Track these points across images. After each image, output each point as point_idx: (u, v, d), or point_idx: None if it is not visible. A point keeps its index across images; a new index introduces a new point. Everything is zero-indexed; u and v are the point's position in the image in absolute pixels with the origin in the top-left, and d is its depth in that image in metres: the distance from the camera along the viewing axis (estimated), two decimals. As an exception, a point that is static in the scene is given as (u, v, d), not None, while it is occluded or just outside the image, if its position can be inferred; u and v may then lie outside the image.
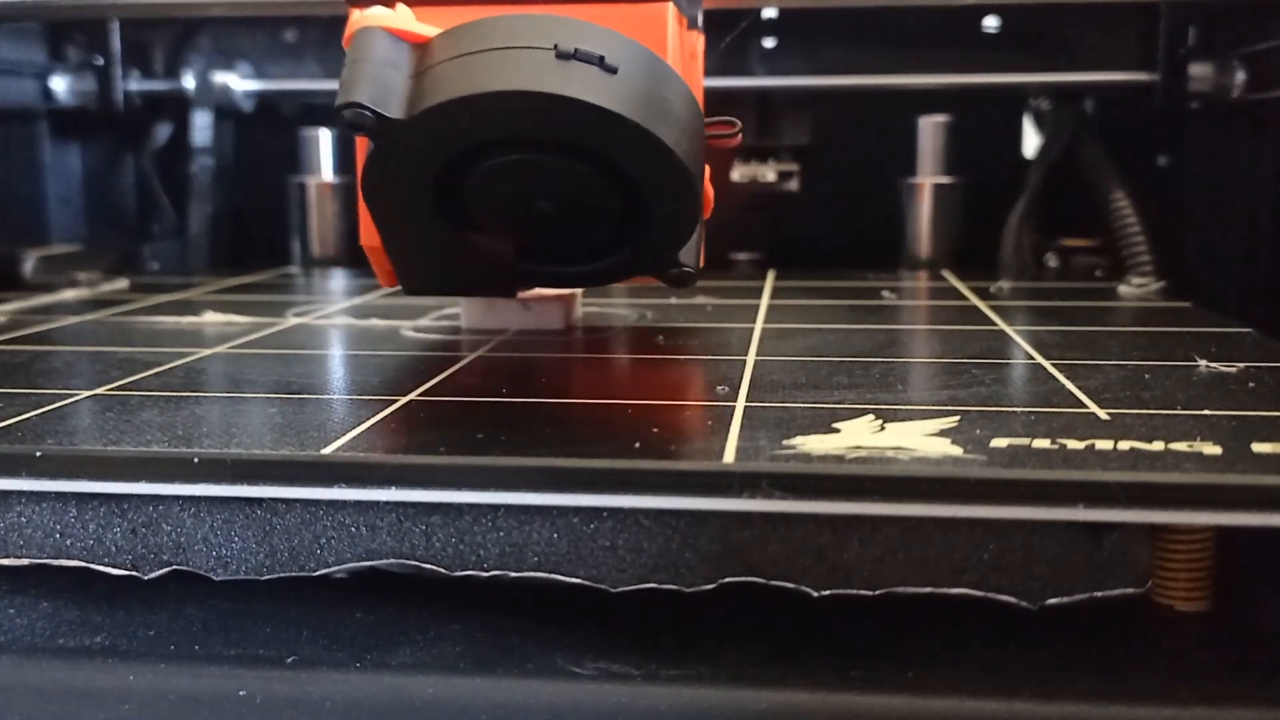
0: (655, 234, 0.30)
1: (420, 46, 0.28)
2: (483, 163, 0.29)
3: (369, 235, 0.32)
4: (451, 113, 0.27)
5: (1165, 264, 0.50)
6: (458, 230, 0.31)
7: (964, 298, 0.44)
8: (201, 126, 0.58)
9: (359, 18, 0.28)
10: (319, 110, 0.60)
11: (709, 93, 0.53)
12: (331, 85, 0.58)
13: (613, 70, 0.27)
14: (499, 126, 0.27)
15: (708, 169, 0.31)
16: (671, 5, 0.31)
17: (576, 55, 0.26)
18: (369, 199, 0.30)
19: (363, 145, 0.29)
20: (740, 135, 0.30)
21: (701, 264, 0.33)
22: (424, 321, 0.39)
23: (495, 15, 0.28)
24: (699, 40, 0.35)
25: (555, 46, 0.27)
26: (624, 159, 0.28)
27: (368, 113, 0.27)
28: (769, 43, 0.54)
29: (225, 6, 0.51)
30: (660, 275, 0.31)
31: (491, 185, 0.29)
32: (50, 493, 0.24)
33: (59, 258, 0.53)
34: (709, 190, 0.32)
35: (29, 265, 0.51)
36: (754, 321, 0.38)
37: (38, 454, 0.23)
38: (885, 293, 0.46)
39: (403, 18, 0.29)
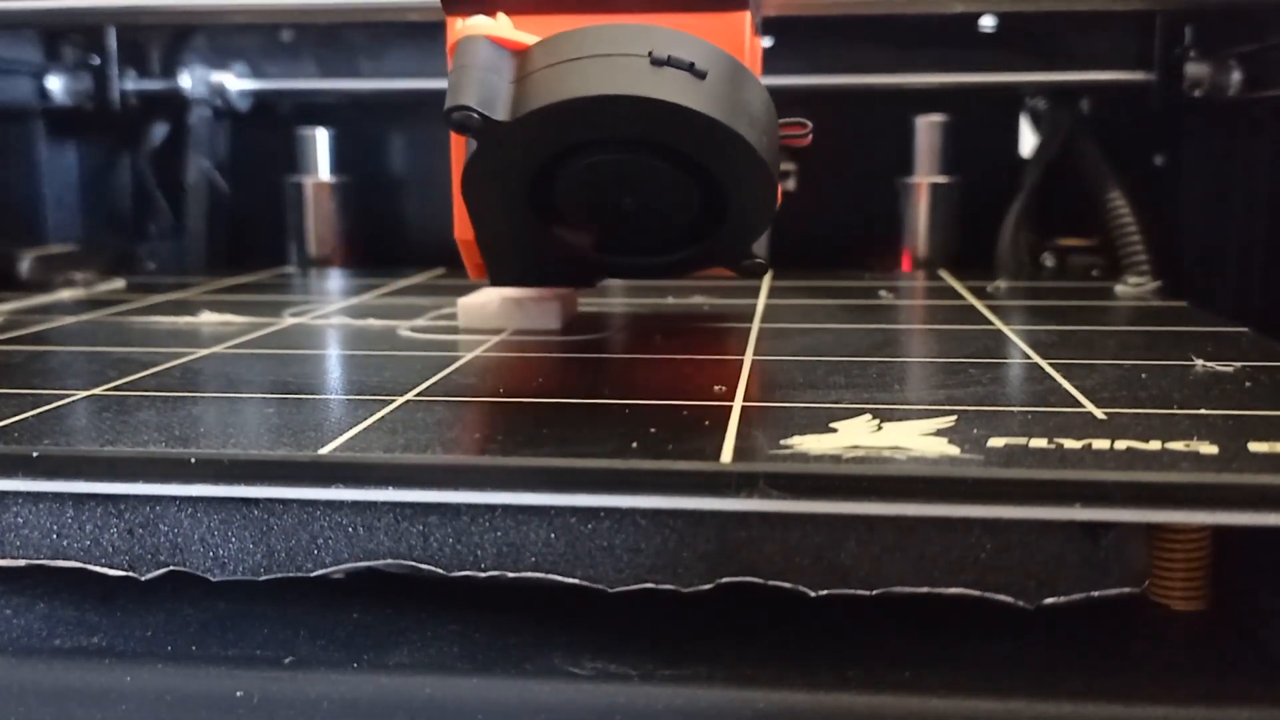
0: (733, 227, 0.32)
1: (520, 53, 0.30)
2: (575, 162, 0.30)
3: (463, 229, 0.34)
4: (554, 115, 0.29)
5: (1161, 263, 0.50)
6: (546, 225, 0.32)
7: (961, 297, 0.44)
8: (197, 127, 0.58)
9: (463, 26, 0.30)
10: (316, 110, 0.60)
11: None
12: (328, 85, 0.58)
13: (702, 75, 0.28)
14: (596, 128, 0.29)
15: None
16: (749, 13, 0.32)
17: (669, 62, 0.28)
18: (468, 195, 0.31)
19: (459, 145, 0.31)
20: (811, 136, 0.32)
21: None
22: (421, 322, 0.39)
23: (591, 25, 0.30)
24: (759, 45, 0.37)
25: (650, 54, 0.28)
26: (709, 157, 0.30)
27: (475, 115, 0.28)
28: (766, 42, 0.54)
29: (224, 13, 0.51)
30: (734, 267, 0.34)
31: (582, 183, 0.31)
32: (47, 493, 0.24)
33: (55, 258, 0.53)
34: (779, 187, 0.33)
35: (25, 265, 0.51)
36: (751, 321, 0.38)
37: (34, 454, 0.23)
38: (882, 292, 0.46)
39: (503, 26, 0.30)
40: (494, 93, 0.29)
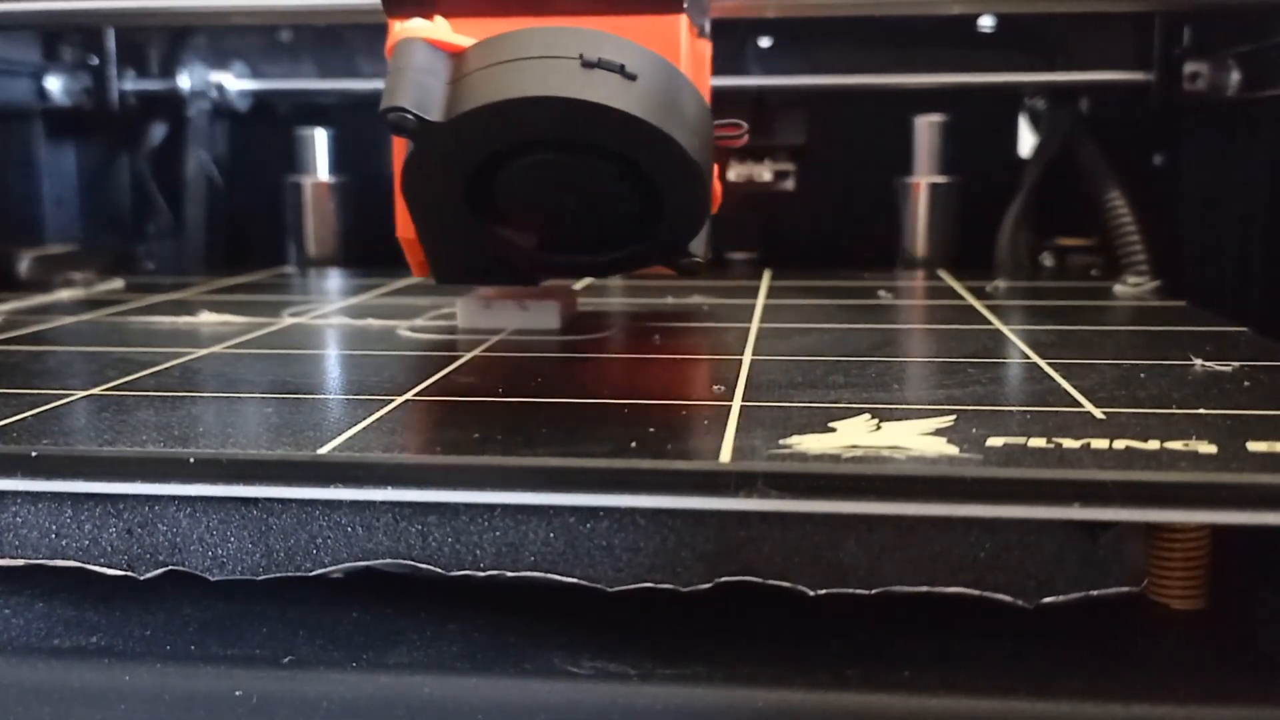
0: (668, 227, 0.32)
1: (456, 55, 0.30)
2: (512, 162, 0.31)
3: (405, 228, 0.34)
4: (487, 116, 0.29)
5: (1160, 263, 0.50)
6: (487, 224, 0.33)
7: (960, 297, 0.44)
8: (197, 126, 0.58)
9: (400, 29, 0.31)
10: (315, 110, 0.60)
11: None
12: (326, 85, 0.58)
13: (633, 77, 0.29)
14: (529, 129, 0.30)
15: (716, 167, 0.33)
16: (685, 17, 0.33)
17: (600, 64, 0.29)
18: (408, 195, 0.32)
19: (400, 146, 0.32)
20: (747, 136, 0.33)
21: (709, 256, 0.35)
22: (420, 321, 0.39)
23: (524, 28, 0.30)
24: (707, 47, 0.37)
25: (581, 56, 0.29)
26: (642, 158, 0.30)
27: (410, 116, 0.29)
28: (764, 42, 0.54)
29: (222, 14, 0.51)
30: (671, 265, 0.34)
31: (520, 183, 0.31)
32: (46, 493, 0.24)
33: (54, 258, 0.53)
34: (717, 186, 0.34)
35: (24, 265, 0.51)
36: (750, 321, 0.38)
37: (33, 454, 0.23)
38: (881, 292, 0.46)
39: (440, 29, 0.31)
40: (429, 94, 0.29)
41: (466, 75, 0.30)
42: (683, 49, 0.33)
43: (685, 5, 0.33)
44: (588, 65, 0.29)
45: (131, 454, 0.23)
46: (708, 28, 0.37)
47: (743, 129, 0.32)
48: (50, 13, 0.49)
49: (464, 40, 0.31)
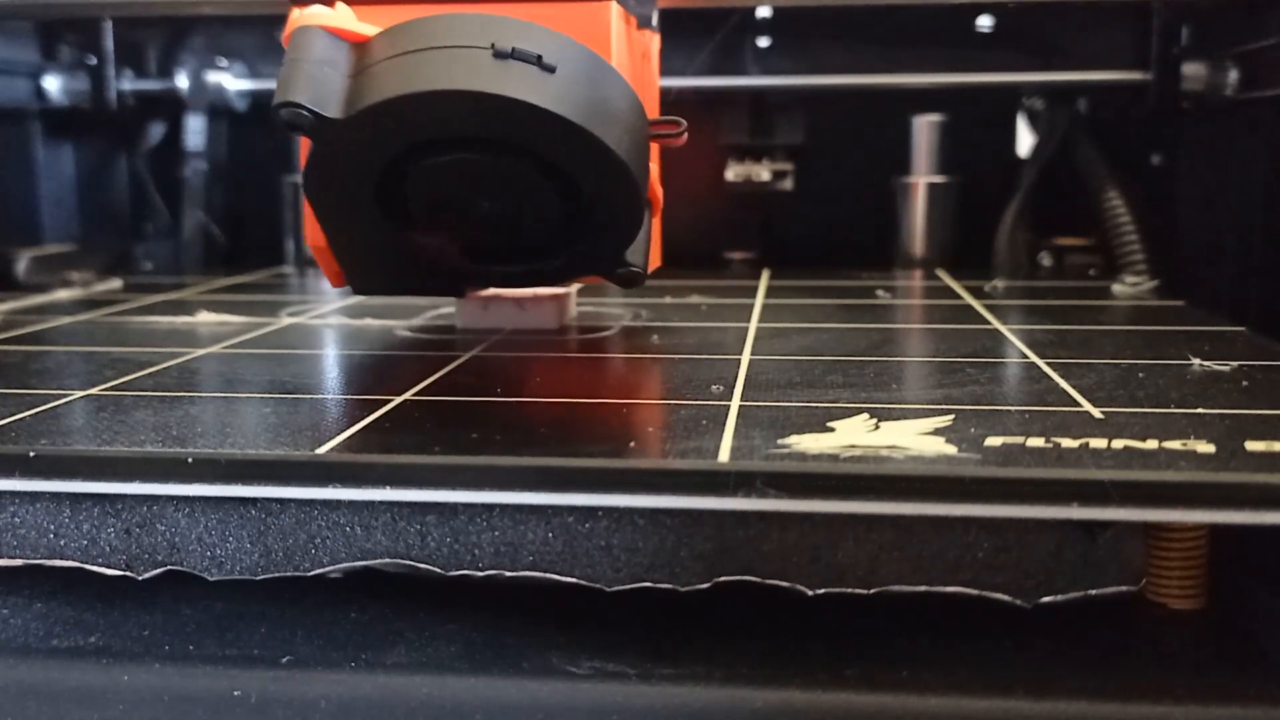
0: (600, 234, 0.30)
1: (359, 46, 0.28)
2: (423, 162, 0.29)
3: (315, 235, 0.32)
4: (389, 112, 0.27)
5: (1159, 263, 0.50)
6: (401, 230, 0.31)
7: (958, 297, 0.44)
8: (195, 126, 0.58)
9: (298, 16, 0.28)
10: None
11: (703, 92, 0.53)
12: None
13: (551, 69, 0.27)
14: (437, 126, 0.27)
15: (656, 169, 0.31)
16: (615, 4, 0.31)
17: (514, 54, 0.26)
18: (311, 199, 0.30)
19: (307, 145, 0.29)
20: (685, 135, 0.30)
21: (658, 263, 0.33)
22: (418, 321, 0.39)
23: (434, 14, 0.28)
24: (653, 40, 0.35)
25: (493, 45, 0.27)
26: (564, 159, 0.28)
27: (305, 112, 0.27)
28: (763, 42, 0.54)
29: (217, 5, 0.51)
30: (608, 275, 0.31)
31: (432, 185, 0.29)
32: (44, 493, 0.24)
33: (52, 258, 0.53)
34: (658, 190, 0.32)
35: (22, 265, 0.51)
36: (749, 321, 0.39)
37: (31, 454, 0.23)
38: (880, 292, 0.46)
39: (342, 16, 0.28)
40: (327, 88, 0.27)
41: (369, 67, 0.27)
42: (614, 39, 0.30)
43: None
44: (500, 56, 0.26)
45: (130, 454, 0.23)
46: (654, 19, 0.34)
47: (681, 127, 0.30)
48: (47, 4, 0.49)
49: (368, 29, 0.28)
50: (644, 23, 0.34)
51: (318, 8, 0.28)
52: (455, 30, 0.27)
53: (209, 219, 0.59)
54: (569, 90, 0.27)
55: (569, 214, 0.30)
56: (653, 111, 0.33)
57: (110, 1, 0.50)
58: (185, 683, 0.21)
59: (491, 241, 0.31)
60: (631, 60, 0.32)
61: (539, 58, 0.27)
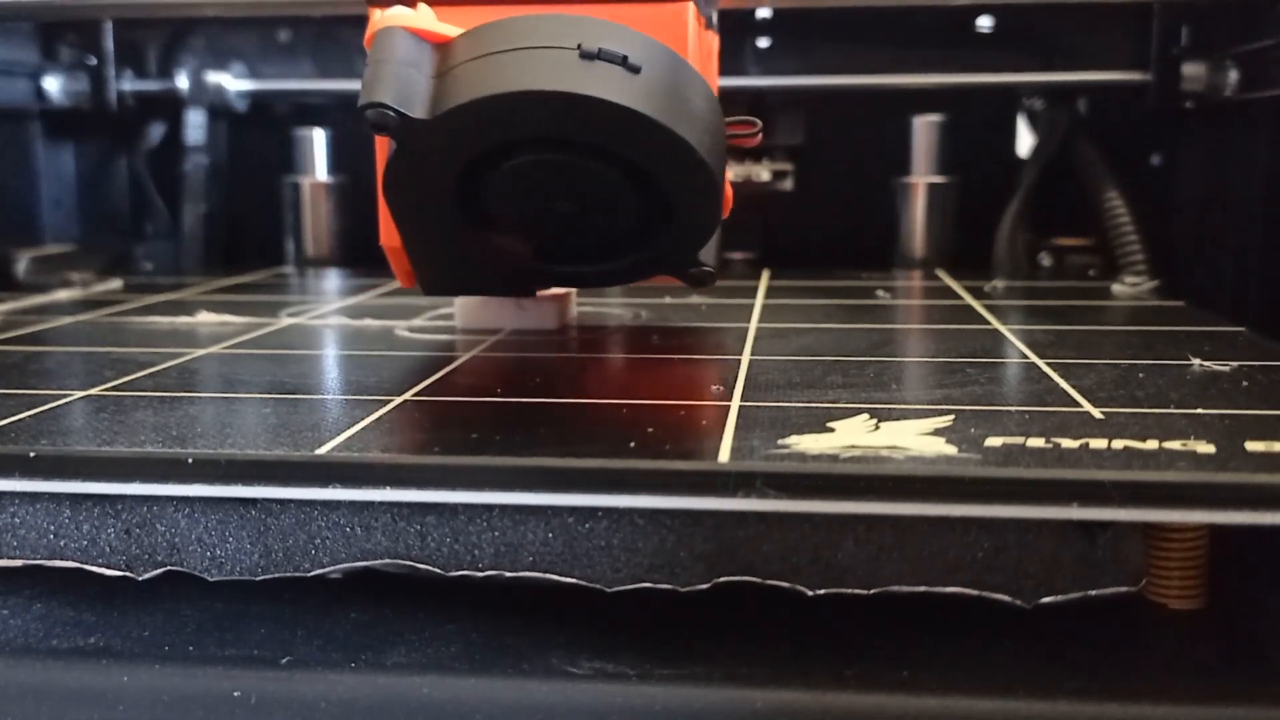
0: (676, 233, 0.30)
1: (442, 46, 0.28)
2: (503, 162, 0.29)
3: (389, 235, 0.32)
4: (475, 113, 0.27)
5: (1159, 263, 0.50)
6: (477, 230, 0.31)
7: (958, 297, 0.44)
8: (195, 126, 0.58)
9: (380, 18, 0.28)
10: (313, 110, 0.60)
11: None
12: (325, 85, 0.58)
13: (636, 70, 0.27)
14: (522, 126, 0.28)
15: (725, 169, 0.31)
16: (692, 5, 0.31)
17: (600, 55, 0.27)
18: (390, 199, 0.30)
19: (383, 145, 0.29)
20: (760, 135, 0.30)
21: (719, 265, 0.33)
22: (418, 322, 0.39)
23: (518, 15, 0.28)
24: (714, 40, 0.35)
25: (579, 46, 0.27)
26: (647, 159, 0.28)
27: (391, 113, 0.27)
28: (763, 42, 0.54)
29: (219, 6, 0.51)
30: (680, 275, 0.32)
31: (512, 185, 0.29)
32: (44, 493, 0.24)
33: (52, 258, 0.53)
34: (728, 190, 0.32)
35: (22, 266, 0.51)
36: (749, 321, 0.38)
37: (31, 455, 0.23)
38: (880, 292, 0.46)
39: (424, 17, 0.29)
40: (412, 89, 0.27)
41: (453, 68, 0.27)
42: (690, 40, 0.31)
43: None
44: (587, 56, 0.27)
45: (130, 454, 0.23)
46: (715, 19, 0.35)
47: (757, 127, 0.30)
48: (47, 5, 0.49)
49: (450, 30, 0.28)
50: (708, 23, 0.34)
51: (400, 9, 0.28)
52: (541, 31, 0.27)
53: (209, 207, 0.59)
54: (654, 90, 0.27)
55: (645, 214, 0.30)
56: None
57: (112, 3, 0.50)
58: (185, 683, 0.21)
59: (564, 241, 0.32)
60: (700, 60, 0.32)
61: (625, 58, 0.27)
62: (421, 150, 0.28)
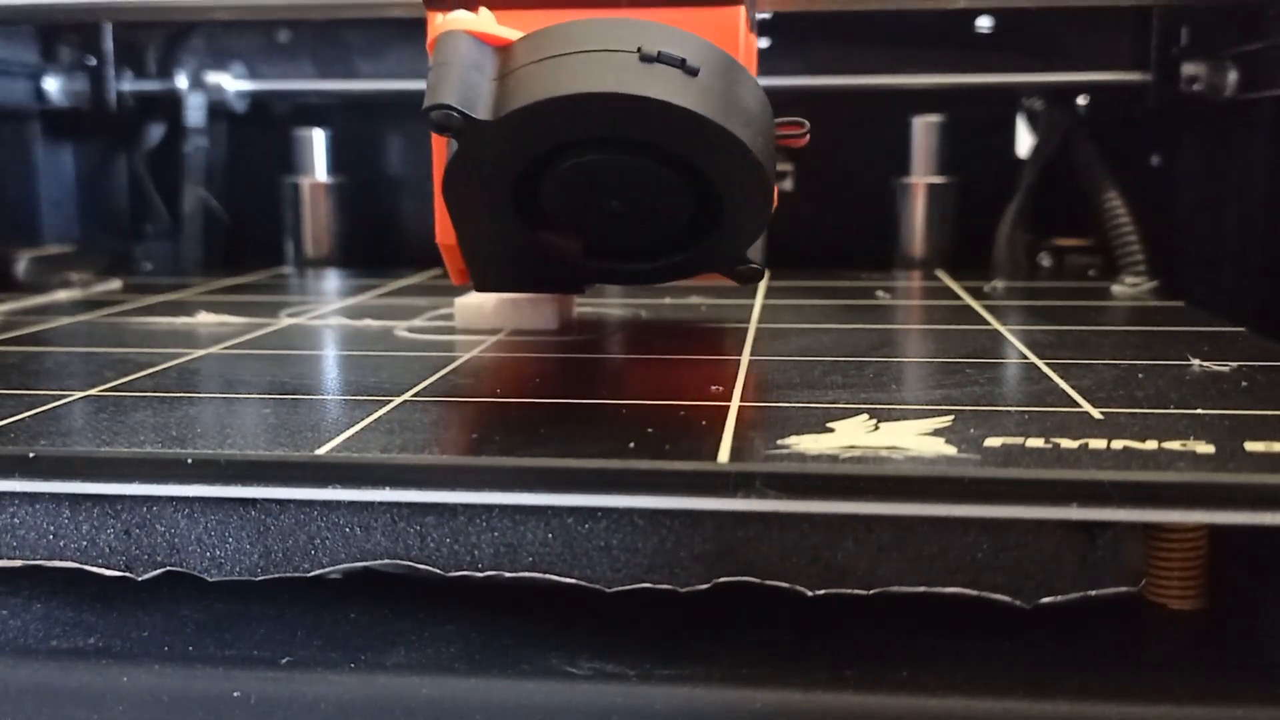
0: (727, 231, 0.31)
1: (503, 49, 0.29)
2: (561, 163, 0.29)
3: (445, 233, 0.33)
4: (538, 114, 0.27)
5: (1158, 263, 0.50)
6: (533, 229, 0.31)
7: (958, 297, 0.44)
8: (194, 127, 0.58)
9: (443, 21, 0.29)
10: (313, 110, 0.60)
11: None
12: (325, 85, 0.58)
13: (694, 72, 0.27)
14: (584, 128, 0.28)
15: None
16: (743, 8, 0.31)
17: (660, 58, 0.27)
18: (449, 198, 0.30)
19: (440, 146, 0.30)
20: (808, 136, 0.31)
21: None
22: (418, 322, 0.39)
23: (577, 19, 0.29)
24: (755, 42, 0.36)
25: (639, 49, 0.27)
26: (702, 158, 0.29)
27: (455, 114, 0.27)
28: (763, 43, 0.54)
29: (222, 10, 0.51)
30: (728, 272, 0.32)
31: (568, 185, 0.30)
32: (44, 494, 0.24)
33: (52, 258, 0.53)
34: (774, 190, 0.32)
35: (21, 266, 0.51)
36: (748, 321, 0.39)
37: (31, 455, 0.23)
38: (879, 293, 0.46)
39: (485, 21, 0.29)
40: (475, 91, 0.28)
41: (515, 70, 0.28)
42: (741, 42, 0.31)
43: None
44: (646, 59, 0.27)
45: (129, 455, 0.23)
46: (755, 21, 0.35)
47: (805, 128, 0.30)
48: (47, 7, 0.49)
49: (510, 33, 0.29)
50: (752, 27, 0.35)
51: (462, 13, 0.29)
52: (601, 35, 0.28)
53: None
54: (711, 92, 0.28)
55: (696, 213, 0.31)
56: None
57: (113, 6, 0.50)
58: (185, 684, 0.21)
59: (617, 239, 0.32)
60: (747, 61, 0.32)
61: (683, 61, 0.27)
62: (483, 151, 0.29)
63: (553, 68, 0.28)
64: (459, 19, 0.29)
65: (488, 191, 0.30)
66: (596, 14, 0.29)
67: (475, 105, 0.28)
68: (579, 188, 0.30)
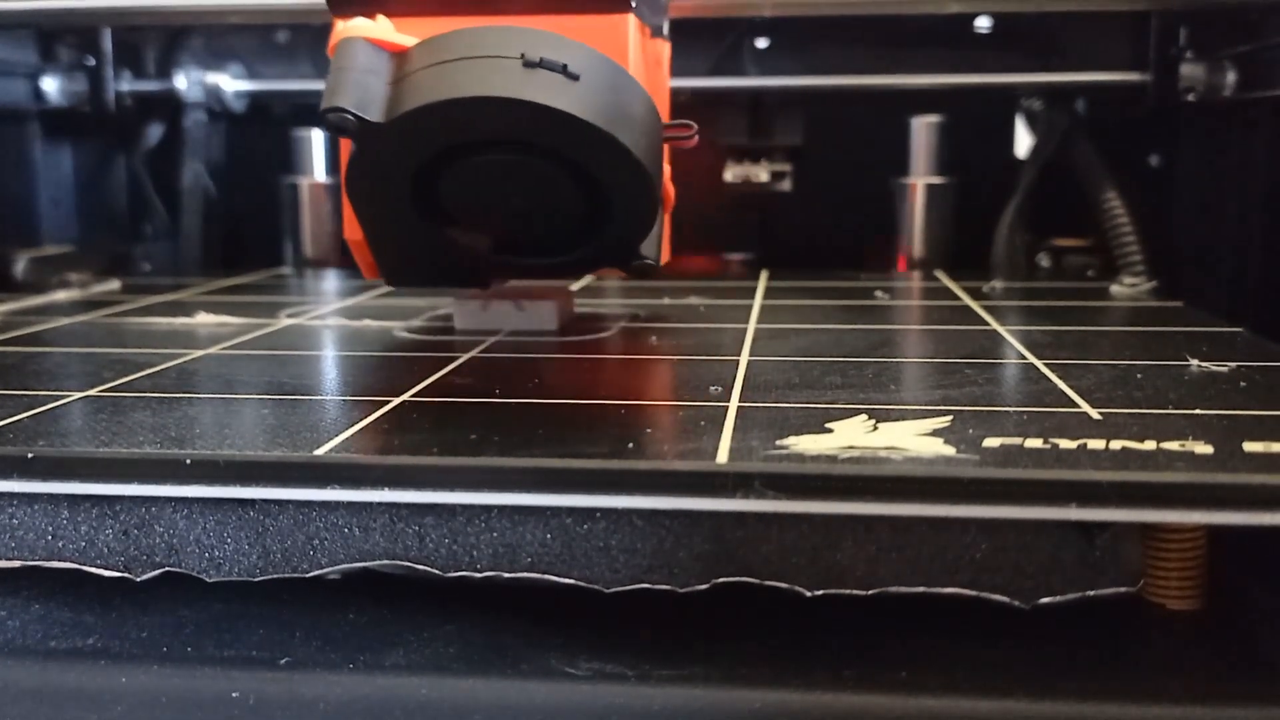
0: (618, 229, 0.32)
1: (399, 55, 0.30)
2: (457, 163, 0.31)
3: (352, 229, 0.34)
4: (427, 116, 0.29)
5: (1157, 264, 0.50)
6: (435, 226, 0.33)
7: (956, 298, 0.44)
8: (193, 127, 0.58)
9: (343, 28, 0.30)
10: (311, 111, 0.60)
11: (702, 93, 0.53)
12: (322, 86, 0.58)
13: (575, 77, 0.29)
14: (471, 129, 0.30)
15: (668, 168, 0.33)
16: (633, 17, 0.33)
17: (542, 64, 0.29)
18: (352, 196, 0.32)
19: (347, 146, 0.31)
20: (696, 137, 0.32)
21: (668, 258, 0.35)
22: (417, 322, 0.39)
23: (467, 27, 0.30)
24: (665, 48, 0.37)
25: (522, 55, 0.29)
26: (586, 159, 0.30)
27: (350, 116, 0.29)
28: (761, 43, 0.54)
29: (219, 13, 0.51)
30: (624, 267, 0.34)
31: (465, 183, 0.31)
32: (42, 494, 0.23)
33: (51, 259, 0.53)
34: (669, 188, 0.34)
35: (20, 266, 0.51)
36: (747, 322, 0.39)
37: (30, 455, 0.23)
38: (878, 293, 0.46)
39: (383, 28, 0.31)
40: (370, 94, 0.29)
41: (408, 75, 0.29)
42: (631, 49, 0.32)
43: (634, 4, 0.32)
44: (529, 65, 0.29)
45: (128, 455, 0.23)
46: (665, 28, 0.37)
47: (693, 130, 0.32)
48: (46, 12, 0.49)
49: (407, 40, 0.30)
50: (656, 32, 0.36)
51: (361, 20, 0.30)
52: (488, 41, 0.29)
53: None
54: (591, 96, 0.29)
55: (590, 210, 0.32)
56: (664, 115, 0.35)
57: (114, 9, 0.50)
58: (184, 684, 0.21)
59: (517, 236, 0.33)
60: (646, 67, 0.34)
61: (564, 66, 0.29)
62: (379, 151, 0.30)
63: (441, 73, 0.29)
64: (358, 25, 0.30)
65: (387, 190, 0.31)
66: (489, 21, 0.31)
67: (369, 108, 0.29)
68: (477, 186, 0.31)
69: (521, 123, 0.29)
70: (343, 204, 0.33)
